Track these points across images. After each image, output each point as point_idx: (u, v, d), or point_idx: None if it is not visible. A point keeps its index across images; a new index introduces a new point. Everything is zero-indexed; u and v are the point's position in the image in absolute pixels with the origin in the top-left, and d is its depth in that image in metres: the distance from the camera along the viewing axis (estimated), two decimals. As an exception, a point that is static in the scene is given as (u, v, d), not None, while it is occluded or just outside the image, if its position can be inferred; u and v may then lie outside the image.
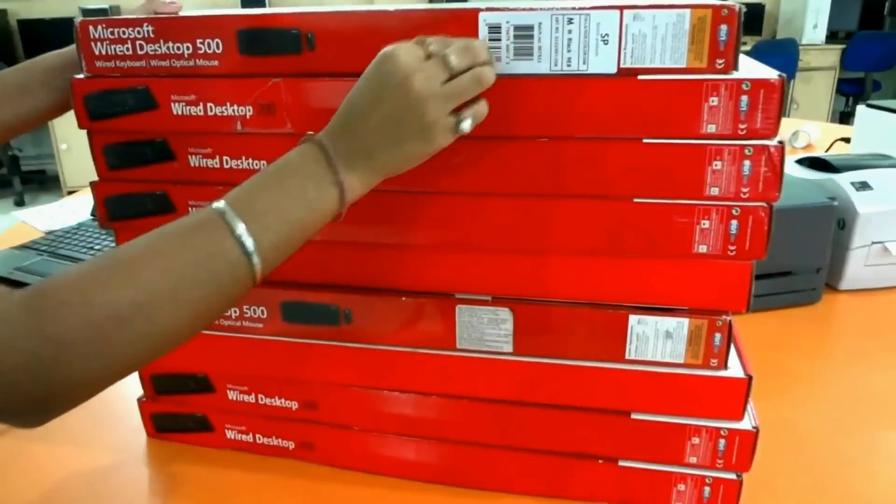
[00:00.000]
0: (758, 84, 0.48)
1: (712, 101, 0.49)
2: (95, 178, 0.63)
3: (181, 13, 0.61)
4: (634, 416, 0.58)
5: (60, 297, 0.39)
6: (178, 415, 0.70)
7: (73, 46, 0.61)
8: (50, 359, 0.38)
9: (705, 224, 0.52)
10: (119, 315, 0.40)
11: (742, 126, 0.49)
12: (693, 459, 0.58)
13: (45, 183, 4.42)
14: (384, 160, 0.49)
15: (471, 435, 0.62)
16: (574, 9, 0.49)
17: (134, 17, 0.58)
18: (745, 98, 0.49)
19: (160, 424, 0.71)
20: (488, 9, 0.50)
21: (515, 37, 0.50)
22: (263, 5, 4.25)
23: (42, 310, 0.38)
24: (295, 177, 0.47)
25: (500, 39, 0.51)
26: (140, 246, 0.43)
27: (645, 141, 0.51)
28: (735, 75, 0.49)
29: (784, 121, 0.57)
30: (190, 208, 0.61)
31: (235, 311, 0.64)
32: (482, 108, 0.50)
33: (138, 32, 0.57)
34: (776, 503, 0.61)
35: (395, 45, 0.48)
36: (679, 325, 0.55)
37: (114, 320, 0.40)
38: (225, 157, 0.59)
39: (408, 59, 0.47)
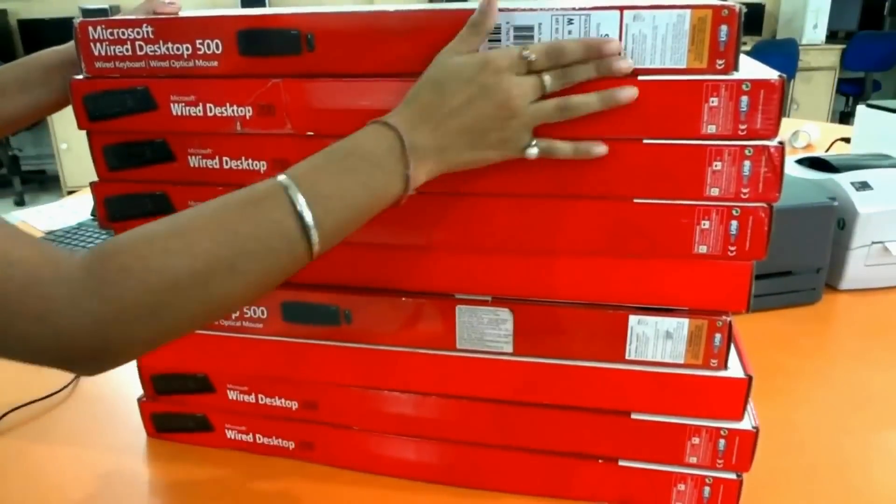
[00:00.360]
0: (758, 84, 0.48)
1: (712, 102, 0.49)
2: (95, 178, 0.63)
3: (181, 13, 0.61)
4: (634, 416, 0.58)
5: (121, 261, 0.41)
6: (178, 415, 0.70)
7: (71, 43, 0.61)
8: (108, 319, 0.40)
9: (705, 224, 0.52)
10: (177, 283, 0.41)
11: (742, 126, 0.49)
12: (693, 459, 0.58)
13: (45, 183, 4.42)
14: (452, 159, 0.49)
15: (471, 435, 0.62)
16: (574, 9, 0.49)
17: (133, 17, 0.58)
18: (745, 98, 0.49)
19: (160, 424, 0.71)
20: (488, 9, 0.50)
21: (516, 37, 0.50)
22: (263, 6, 4.25)
23: (103, 273, 0.40)
24: (364, 163, 0.47)
25: (500, 40, 0.51)
26: (202, 215, 0.44)
27: (645, 141, 0.51)
28: (735, 76, 0.49)
29: (784, 121, 0.57)
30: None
31: (235, 312, 0.64)
32: (561, 148, 0.51)
33: (138, 33, 0.57)
34: (776, 503, 0.61)
35: (500, 55, 0.48)
36: (679, 326, 0.55)
37: (172, 287, 0.41)
38: (224, 158, 0.59)
39: (511, 77, 0.48)
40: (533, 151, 0.50)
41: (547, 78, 0.48)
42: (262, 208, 0.44)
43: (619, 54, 0.49)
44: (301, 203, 0.44)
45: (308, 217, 0.44)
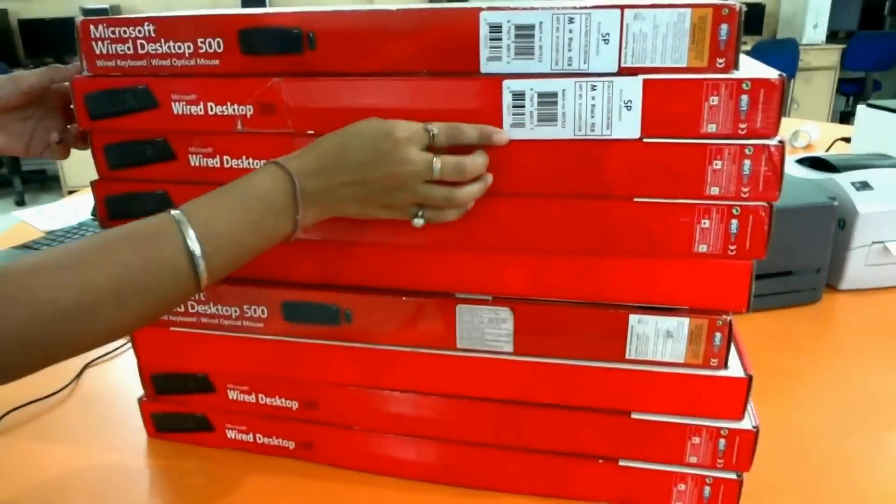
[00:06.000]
0: (758, 83, 0.48)
1: (713, 101, 0.49)
2: (96, 177, 0.63)
3: (181, 13, 0.61)
4: (635, 415, 0.58)
5: (7, 291, 0.41)
6: (178, 415, 0.70)
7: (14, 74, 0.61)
8: None
9: (705, 223, 0.52)
10: (63, 313, 0.42)
11: (742, 125, 0.49)
12: (693, 459, 0.58)
13: (45, 183, 4.42)
14: (341, 209, 0.52)
15: (471, 435, 0.62)
16: (575, 8, 0.49)
17: (135, 16, 0.58)
18: (745, 97, 0.49)
19: (161, 424, 0.71)
20: (489, 8, 0.50)
21: (516, 36, 0.50)
22: (264, 5, 4.25)
23: None
24: (258, 204, 0.49)
25: (500, 39, 0.51)
26: (94, 247, 0.45)
27: (645, 140, 0.51)
28: (735, 75, 0.49)
29: (784, 120, 0.57)
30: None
31: (236, 311, 0.64)
32: (443, 216, 0.53)
33: (139, 32, 0.57)
34: (776, 503, 0.61)
35: (404, 126, 0.50)
36: (679, 325, 0.55)
37: (58, 317, 0.42)
38: (225, 157, 0.59)
39: (409, 149, 0.50)
40: (417, 222, 0.52)
41: (443, 169, 0.50)
42: (155, 244, 0.45)
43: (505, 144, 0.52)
44: (192, 240, 0.45)
45: (199, 255, 0.46)
